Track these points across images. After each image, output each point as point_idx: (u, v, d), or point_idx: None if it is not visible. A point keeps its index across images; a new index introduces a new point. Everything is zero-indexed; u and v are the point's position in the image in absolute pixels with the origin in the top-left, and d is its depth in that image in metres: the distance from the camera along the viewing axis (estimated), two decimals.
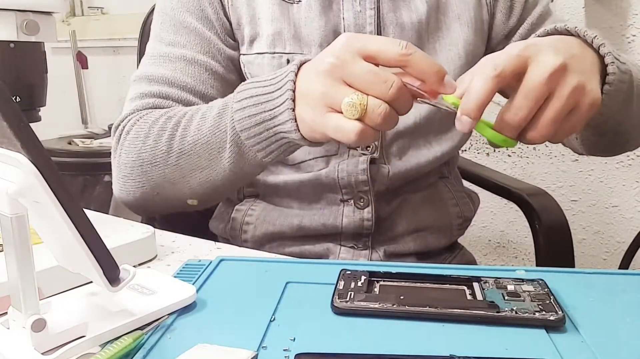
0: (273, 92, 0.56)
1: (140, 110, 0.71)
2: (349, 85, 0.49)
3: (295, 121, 0.55)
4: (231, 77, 0.74)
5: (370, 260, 0.72)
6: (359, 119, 0.49)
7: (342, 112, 0.49)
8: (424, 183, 0.75)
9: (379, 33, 0.71)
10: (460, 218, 0.77)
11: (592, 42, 0.54)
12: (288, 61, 0.70)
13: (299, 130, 0.55)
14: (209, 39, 0.72)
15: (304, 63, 0.55)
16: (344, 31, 0.70)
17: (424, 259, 0.76)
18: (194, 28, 0.72)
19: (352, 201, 0.71)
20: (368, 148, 0.71)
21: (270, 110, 0.56)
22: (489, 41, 0.77)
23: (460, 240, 0.86)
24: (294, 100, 0.55)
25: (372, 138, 0.51)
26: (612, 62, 0.53)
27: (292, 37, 0.71)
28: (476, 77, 0.47)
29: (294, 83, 0.54)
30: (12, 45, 0.63)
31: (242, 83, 0.61)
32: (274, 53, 0.71)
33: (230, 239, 0.77)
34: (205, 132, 0.62)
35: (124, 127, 0.69)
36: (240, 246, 0.75)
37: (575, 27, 0.55)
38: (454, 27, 0.73)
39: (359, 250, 0.73)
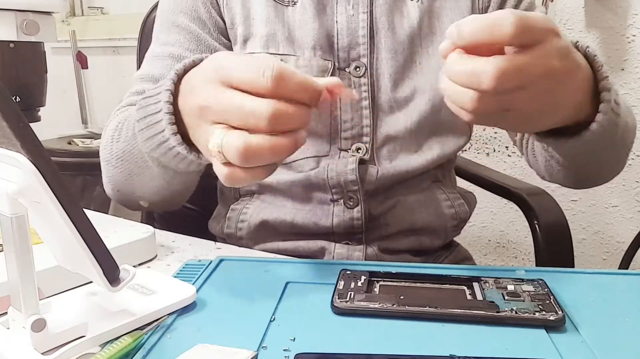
0: (154, 113, 0.53)
1: (123, 107, 0.72)
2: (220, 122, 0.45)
3: (184, 144, 0.52)
4: None
5: (366, 255, 0.73)
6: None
7: None
8: (418, 187, 0.75)
9: (371, 37, 0.71)
10: (456, 219, 0.77)
11: (598, 73, 0.52)
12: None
13: (192, 151, 0.53)
14: (199, 37, 0.73)
15: (182, 75, 0.52)
16: (337, 34, 0.71)
17: (419, 256, 0.77)
18: (185, 27, 0.73)
19: (341, 200, 0.72)
20: (359, 150, 0.71)
21: (160, 132, 0.53)
22: None
23: (460, 240, 0.86)
24: (174, 124, 0.52)
25: (246, 180, 0.45)
26: (608, 101, 0.52)
27: (285, 39, 0.71)
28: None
29: (170, 104, 0.52)
30: (12, 45, 0.63)
31: (140, 97, 0.58)
32: (268, 53, 0.72)
33: (227, 238, 0.78)
34: (129, 141, 0.62)
35: (107, 124, 0.71)
36: (236, 244, 0.75)
37: (588, 47, 0.52)
38: None
39: (353, 245, 0.73)
